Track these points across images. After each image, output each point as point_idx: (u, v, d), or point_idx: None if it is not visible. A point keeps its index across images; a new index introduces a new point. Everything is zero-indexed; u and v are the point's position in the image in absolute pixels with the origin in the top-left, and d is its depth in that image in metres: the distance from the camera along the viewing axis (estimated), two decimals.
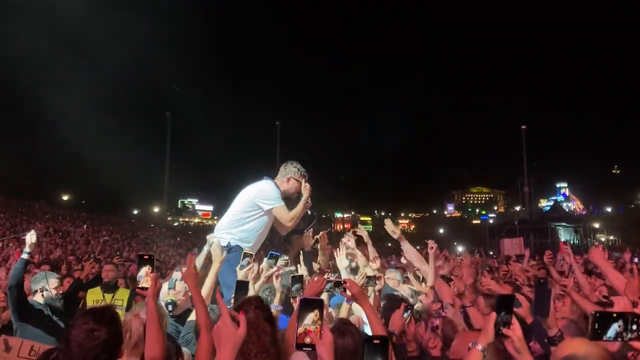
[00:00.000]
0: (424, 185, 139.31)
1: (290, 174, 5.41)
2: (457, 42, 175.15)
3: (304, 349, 2.13)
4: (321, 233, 6.04)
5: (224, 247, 4.79)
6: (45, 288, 5.02)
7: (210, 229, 5.81)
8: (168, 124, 51.86)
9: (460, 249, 37.50)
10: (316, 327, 2.10)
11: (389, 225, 5.53)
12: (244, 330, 2.02)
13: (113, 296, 6.05)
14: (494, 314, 2.22)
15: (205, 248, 4.63)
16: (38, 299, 4.97)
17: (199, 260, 4.71)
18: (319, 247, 6.14)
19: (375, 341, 2.06)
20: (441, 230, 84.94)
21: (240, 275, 4.18)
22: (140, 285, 2.94)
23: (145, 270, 2.94)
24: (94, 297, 6.05)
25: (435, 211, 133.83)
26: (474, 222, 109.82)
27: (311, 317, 2.10)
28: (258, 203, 5.15)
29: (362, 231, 5.94)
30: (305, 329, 2.10)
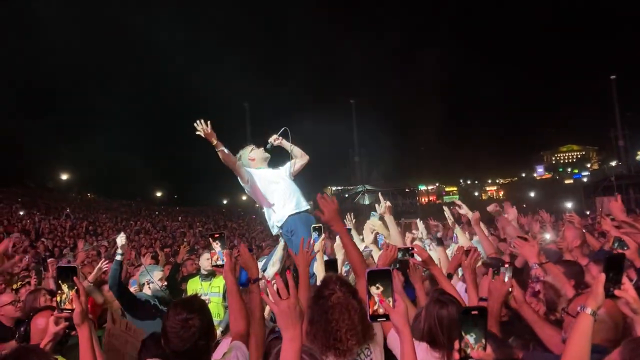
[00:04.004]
0: (510, 148, 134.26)
1: (248, 152, 5.80)
2: None
3: (378, 320, 2.09)
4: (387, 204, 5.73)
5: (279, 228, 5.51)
6: (150, 281, 5.37)
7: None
8: (246, 114, 52.97)
9: (569, 205, 35.51)
10: (388, 297, 2.05)
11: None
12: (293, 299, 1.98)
13: (210, 284, 6.23)
14: (602, 275, 2.11)
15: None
16: (146, 291, 5.34)
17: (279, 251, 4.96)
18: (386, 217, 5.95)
19: (473, 312, 2.00)
20: (532, 194, 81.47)
21: (317, 247, 4.24)
22: (215, 263, 3.02)
23: (217, 248, 3.02)
24: (193, 287, 6.28)
25: (524, 175, 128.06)
26: (567, 182, 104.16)
27: (381, 287, 2.06)
28: (248, 185, 5.53)
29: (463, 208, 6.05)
30: (377, 299, 2.06)
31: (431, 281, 4.31)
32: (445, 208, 6.06)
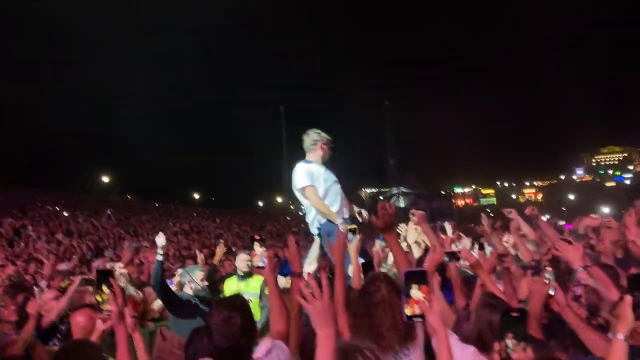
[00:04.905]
0: (548, 150, 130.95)
1: (320, 142, 5.74)
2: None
3: (414, 319, 2.10)
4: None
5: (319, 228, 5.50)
6: (192, 280, 5.50)
7: None
8: (282, 116, 53.41)
9: (606, 210, 34.55)
10: (424, 298, 2.07)
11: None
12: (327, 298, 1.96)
13: (247, 284, 6.27)
14: (628, 297, 2.03)
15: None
16: (187, 290, 5.47)
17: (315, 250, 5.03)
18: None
19: (513, 314, 2.01)
20: (571, 197, 79.72)
21: (352, 248, 4.18)
22: (255, 265, 3.09)
23: (258, 249, 3.08)
24: (230, 287, 6.39)
25: (563, 177, 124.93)
26: (608, 184, 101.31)
27: (417, 288, 2.07)
28: (295, 190, 5.71)
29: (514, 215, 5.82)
30: (414, 300, 2.07)
31: (467, 285, 4.30)
32: (483, 215, 6.05)
